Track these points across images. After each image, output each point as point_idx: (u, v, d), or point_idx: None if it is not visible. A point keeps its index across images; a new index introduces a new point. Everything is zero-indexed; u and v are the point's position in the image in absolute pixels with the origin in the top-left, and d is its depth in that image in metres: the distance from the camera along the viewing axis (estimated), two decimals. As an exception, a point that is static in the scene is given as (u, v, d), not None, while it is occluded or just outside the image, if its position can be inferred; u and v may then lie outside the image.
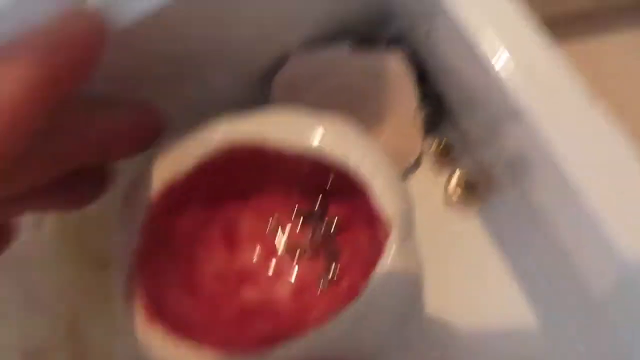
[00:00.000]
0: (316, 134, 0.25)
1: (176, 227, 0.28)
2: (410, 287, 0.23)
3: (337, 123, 0.25)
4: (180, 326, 0.24)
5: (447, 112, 0.34)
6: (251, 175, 0.29)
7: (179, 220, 0.28)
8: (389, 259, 0.22)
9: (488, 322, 0.31)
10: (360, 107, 0.32)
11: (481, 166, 0.34)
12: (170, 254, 0.27)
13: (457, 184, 0.34)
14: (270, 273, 0.31)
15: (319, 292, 0.29)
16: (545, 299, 0.30)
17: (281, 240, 0.31)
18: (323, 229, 0.31)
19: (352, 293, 0.27)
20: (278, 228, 0.31)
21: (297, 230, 0.32)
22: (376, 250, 0.25)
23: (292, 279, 0.31)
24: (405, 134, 0.34)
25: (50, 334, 0.31)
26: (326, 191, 0.31)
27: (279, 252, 0.31)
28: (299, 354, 0.22)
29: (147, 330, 0.23)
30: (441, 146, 0.35)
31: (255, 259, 0.31)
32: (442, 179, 0.35)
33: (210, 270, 0.30)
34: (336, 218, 0.30)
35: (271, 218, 0.31)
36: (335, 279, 0.29)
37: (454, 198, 0.34)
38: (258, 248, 0.31)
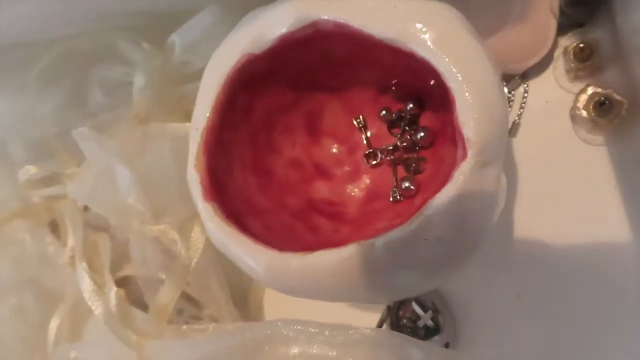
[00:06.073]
0: (415, 26, 0.21)
1: (256, 105, 0.27)
2: (477, 220, 0.19)
3: (438, 11, 0.21)
4: (237, 206, 0.24)
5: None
6: (341, 61, 0.26)
7: (260, 98, 0.27)
8: (455, 185, 0.19)
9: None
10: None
11: (629, 82, 0.27)
12: (245, 130, 0.27)
13: (592, 98, 0.27)
14: (346, 172, 0.29)
15: (389, 203, 0.27)
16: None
17: (364, 141, 0.29)
18: (409, 137, 0.28)
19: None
20: (362, 128, 0.29)
21: (382, 134, 0.29)
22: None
23: (366, 183, 0.29)
24: (535, 21, 0.27)
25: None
26: (422, 96, 0.28)
27: (360, 152, 0.29)
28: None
29: (203, 204, 0.23)
30: (581, 45, 0.27)
31: (333, 154, 0.30)
32: (576, 87, 0.28)
33: (286, 154, 0.29)
34: (424, 129, 0.27)
35: (359, 116, 0.29)
36: (410, 193, 0.27)
37: (584, 115, 0.27)
38: (339, 144, 0.30)
